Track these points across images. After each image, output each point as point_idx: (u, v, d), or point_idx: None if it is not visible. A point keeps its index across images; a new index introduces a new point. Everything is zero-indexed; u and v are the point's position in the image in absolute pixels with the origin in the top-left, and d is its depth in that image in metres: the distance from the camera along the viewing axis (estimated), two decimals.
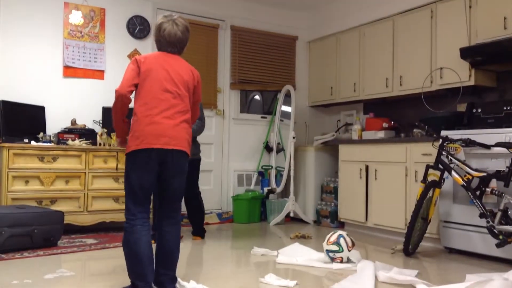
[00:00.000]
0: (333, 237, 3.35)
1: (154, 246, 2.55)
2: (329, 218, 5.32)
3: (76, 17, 4.92)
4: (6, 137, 4.25)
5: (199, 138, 4.53)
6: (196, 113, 2.73)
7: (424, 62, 4.66)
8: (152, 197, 2.58)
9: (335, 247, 3.34)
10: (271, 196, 5.72)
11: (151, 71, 2.51)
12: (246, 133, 5.95)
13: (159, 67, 2.53)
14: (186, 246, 4.04)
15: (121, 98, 2.46)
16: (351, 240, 3.39)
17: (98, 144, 4.57)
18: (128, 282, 2.52)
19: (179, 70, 2.58)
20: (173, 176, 2.50)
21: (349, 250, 3.33)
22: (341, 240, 3.33)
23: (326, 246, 3.38)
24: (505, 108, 4.02)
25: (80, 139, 4.53)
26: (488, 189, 3.48)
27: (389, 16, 5.09)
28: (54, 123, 4.70)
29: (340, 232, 3.42)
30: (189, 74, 2.62)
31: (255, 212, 5.57)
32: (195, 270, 3.26)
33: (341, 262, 3.35)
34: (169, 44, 2.61)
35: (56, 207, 4.20)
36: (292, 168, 5.57)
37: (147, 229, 2.47)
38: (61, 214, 3.95)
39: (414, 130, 4.74)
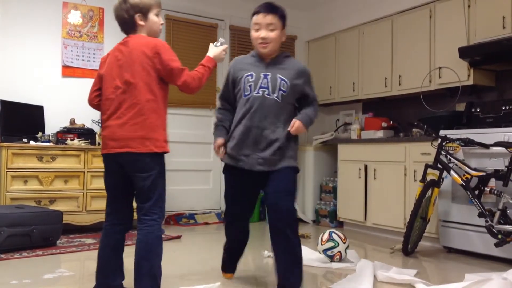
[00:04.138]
0: (325, 236, 3.40)
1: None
2: (328, 217, 5.32)
3: (75, 17, 4.92)
4: (4, 137, 4.24)
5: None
6: (177, 79, 2.31)
7: (423, 61, 4.66)
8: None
9: (330, 244, 3.36)
10: None
11: (106, 71, 2.38)
12: None
13: (113, 63, 2.34)
14: (184, 246, 4.04)
15: (94, 107, 2.53)
16: (342, 233, 3.45)
17: (97, 143, 4.56)
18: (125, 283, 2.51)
19: (130, 56, 2.29)
20: (133, 176, 2.32)
21: (344, 243, 3.38)
22: (334, 235, 3.38)
23: (321, 247, 3.40)
24: (504, 108, 4.02)
25: (79, 139, 4.53)
26: (487, 189, 3.48)
27: (388, 16, 5.10)
28: (53, 123, 4.69)
29: (329, 230, 3.48)
30: (140, 54, 2.27)
31: (254, 212, 5.57)
32: (194, 269, 3.26)
33: (341, 257, 3.36)
34: (119, 25, 2.40)
35: (55, 207, 4.20)
36: None
37: (115, 232, 2.40)
38: (60, 213, 3.94)
39: (413, 129, 4.74)
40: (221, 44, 2.57)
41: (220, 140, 2.61)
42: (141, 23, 2.34)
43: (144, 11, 2.33)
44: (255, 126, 2.48)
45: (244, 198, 2.68)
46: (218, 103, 2.84)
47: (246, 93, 2.52)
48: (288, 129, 2.50)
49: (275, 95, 2.49)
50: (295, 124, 2.50)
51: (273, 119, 2.49)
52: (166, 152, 2.35)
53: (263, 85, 2.50)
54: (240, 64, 2.63)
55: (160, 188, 2.33)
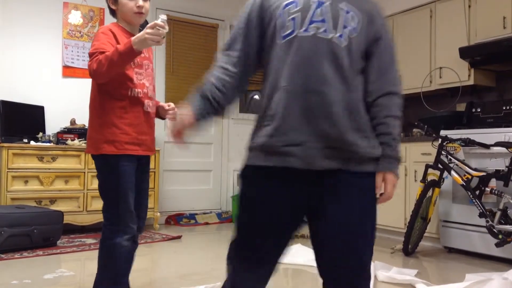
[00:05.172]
0: None
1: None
2: None
3: (75, 17, 4.92)
4: (5, 137, 4.25)
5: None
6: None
7: (423, 61, 4.66)
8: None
9: None
10: None
11: None
12: (245, 133, 5.88)
13: None
14: (185, 246, 4.04)
15: None
16: None
17: None
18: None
19: None
20: None
21: None
22: None
23: None
24: (504, 108, 4.02)
25: (80, 139, 4.53)
26: (488, 189, 3.48)
27: (389, 16, 5.08)
28: (54, 123, 4.69)
29: None
30: None
31: None
32: (194, 269, 3.26)
33: None
34: None
35: (55, 207, 4.20)
36: None
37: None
38: (60, 214, 3.94)
39: (414, 129, 4.74)
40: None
41: (189, 115, 1.45)
42: (113, 7, 2.19)
43: None
44: (310, 90, 1.36)
45: (277, 230, 1.42)
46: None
47: (286, 33, 1.41)
48: (378, 195, 1.42)
49: (338, 34, 1.39)
50: (387, 185, 1.42)
51: (339, 77, 1.38)
52: (113, 154, 2.07)
53: (315, 18, 1.39)
54: None
55: (106, 192, 2.12)
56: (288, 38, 1.40)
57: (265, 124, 1.42)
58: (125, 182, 2.09)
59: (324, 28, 1.38)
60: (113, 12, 2.22)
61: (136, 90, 2.11)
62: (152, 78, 2.23)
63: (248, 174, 1.46)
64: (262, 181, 1.42)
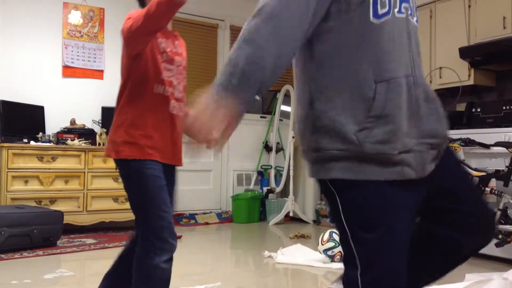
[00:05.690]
0: (326, 236, 3.41)
1: None
2: (328, 217, 5.32)
3: (75, 17, 4.92)
4: (5, 137, 4.25)
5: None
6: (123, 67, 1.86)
7: (423, 61, 4.62)
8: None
9: (331, 244, 3.36)
10: (270, 196, 5.72)
11: None
12: (245, 133, 5.95)
13: None
14: (185, 246, 4.04)
15: None
16: None
17: (97, 144, 4.57)
18: None
19: None
20: None
21: None
22: (334, 235, 3.38)
23: (322, 247, 3.40)
24: (504, 108, 4.02)
25: (80, 139, 4.53)
26: (488, 189, 3.48)
27: None
28: (54, 123, 4.69)
29: (329, 230, 3.48)
30: None
31: (255, 212, 5.57)
32: (194, 269, 3.26)
33: (341, 258, 3.37)
34: None
35: (55, 207, 4.20)
36: (291, 167, 5.57)
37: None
38: (60, 214, 3.94)
39: None
40: None
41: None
42: None
43: None
44: (414, 83, 1.23)
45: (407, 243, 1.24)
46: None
47: (383, 11, 1.16)
48: None
49: (416, 18, 1.29)
50: None
51: (421, 63, 1.34)
52: (135, 159, 1.78)
53: None
54: None
55: (134, 202, 1.82)
56: (385, 18, 1.15)
57: (367, 126, 1.13)
58: (153, 187, 1.78)
59: (410, 11, 1.21)
60: (142, 2, 1.94)
61: (162, 87, 1.82)
62: (182, 78, 1.93)
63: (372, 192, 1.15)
64: (393, 188, 1.15)
